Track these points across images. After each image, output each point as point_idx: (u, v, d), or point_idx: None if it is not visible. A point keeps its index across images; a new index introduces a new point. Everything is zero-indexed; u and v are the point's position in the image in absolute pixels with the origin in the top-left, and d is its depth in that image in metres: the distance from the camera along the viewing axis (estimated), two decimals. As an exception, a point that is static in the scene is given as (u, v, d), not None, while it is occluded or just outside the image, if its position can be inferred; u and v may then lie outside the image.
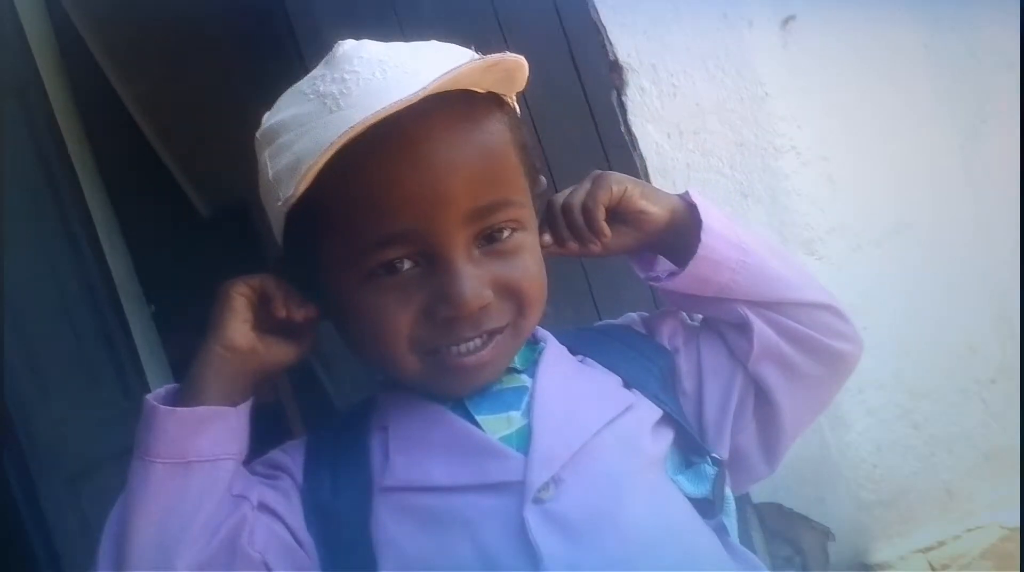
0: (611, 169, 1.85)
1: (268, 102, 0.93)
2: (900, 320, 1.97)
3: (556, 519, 0.84)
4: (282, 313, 0.90)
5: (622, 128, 1.89)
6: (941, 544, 1.96)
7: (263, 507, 0.91)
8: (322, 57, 0.88)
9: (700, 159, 1.92)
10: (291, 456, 0.97)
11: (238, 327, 0.89)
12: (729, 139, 1.92)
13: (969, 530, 1.97)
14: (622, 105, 1.90)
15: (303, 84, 0.87)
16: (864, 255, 1.96)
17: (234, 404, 0.89)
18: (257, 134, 0.91)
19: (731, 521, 1.01)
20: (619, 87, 1.88)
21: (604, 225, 0.97)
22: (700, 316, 1.10)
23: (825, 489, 1.94)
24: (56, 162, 1.72)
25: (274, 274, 0.93)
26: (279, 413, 1.66)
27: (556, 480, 0.86)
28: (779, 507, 1.92)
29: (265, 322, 0.91)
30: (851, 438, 1.95)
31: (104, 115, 1.81)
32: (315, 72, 0.87)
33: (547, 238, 0.97)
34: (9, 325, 1.45)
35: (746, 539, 1.81)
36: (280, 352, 0.92)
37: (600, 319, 1.18)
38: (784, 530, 1.95)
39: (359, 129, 0.76)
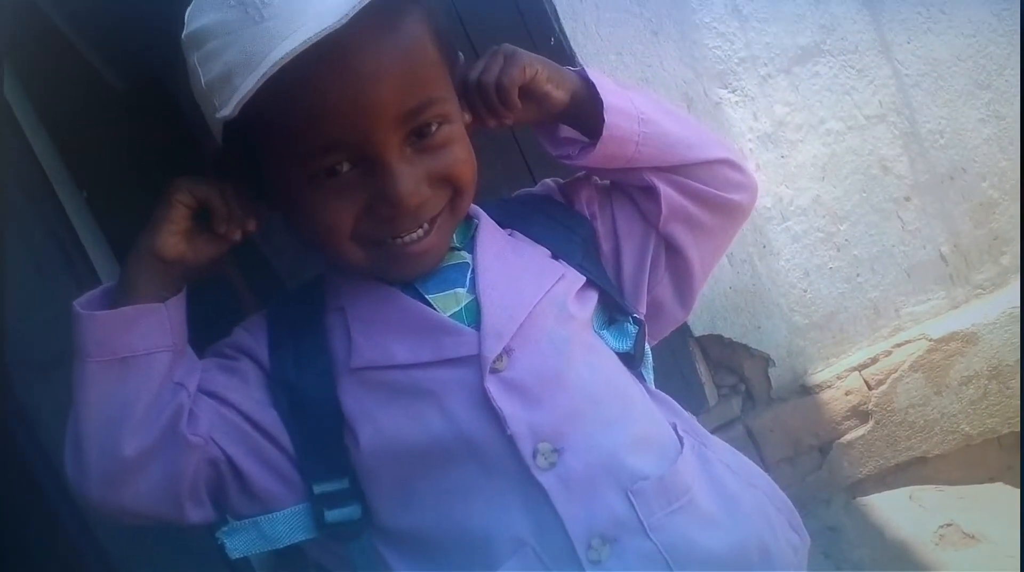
0: (523, 17, 1.97)
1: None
2: (814, 146, 2.13)
3: (512, 385, 0.98)
4: (222, 230, 0.99)
5: (528, -29, 1.97)
6: (873, 360, 2.16)
7: (209, 393, 1.02)
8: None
9: (608, -1, 2.02)
10: (254, 335, 1.08)
11: (169, 237, 0.97)
12: (634, -25, 2.03)
13: (898, 345, 2.17)
14: (526, -53, 1.97)
15: None
16: (775, 84, 2.10)
17: (163, 300, 0.98)
18: (183, 36, 0.97)
19: (648, 372, 1.17)
20: (522, -72, 1.96)
21: (517, 102, 1.07)
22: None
23: (760, 317, 2.11)
24: None
25: (216, 167, 1.02)
26: (225, 282, 1.72)
27: (507, 351, 1.00)
28: (719, 338, 2.08)
29: (200, 224, 1.00)
30: (780, 265, 2.12)
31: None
32: None
33: (467, 116, 1.07)
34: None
35: (691, 372, 1.97)
36: (209, 251, 1.01)
37: (535, 181, 1.29)
38: (726, 359, 2.11)
39: (289, 57, 0.83)
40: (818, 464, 2.13)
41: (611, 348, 1.10)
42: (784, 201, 2.12)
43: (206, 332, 1.11)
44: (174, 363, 1.00)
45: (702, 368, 2.07)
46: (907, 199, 2.19)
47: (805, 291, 2.14)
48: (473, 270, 1.06)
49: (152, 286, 0.98)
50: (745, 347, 2.10)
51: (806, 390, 2.13)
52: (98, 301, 0.99)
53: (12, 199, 1.78)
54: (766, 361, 2.12)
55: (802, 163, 2.12)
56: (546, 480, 0.96)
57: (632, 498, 0.97)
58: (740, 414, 2.12)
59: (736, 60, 2.09)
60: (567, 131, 1.17)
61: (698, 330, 2.05)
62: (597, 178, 1.21)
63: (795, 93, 2.12)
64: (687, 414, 1.14)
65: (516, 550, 0.97)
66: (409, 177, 0.95)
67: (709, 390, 2.07)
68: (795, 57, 2.11)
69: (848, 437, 2.14)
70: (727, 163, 1.15)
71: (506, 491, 0.98)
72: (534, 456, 0.96)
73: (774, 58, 2.10)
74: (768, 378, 2.13)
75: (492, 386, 0.97)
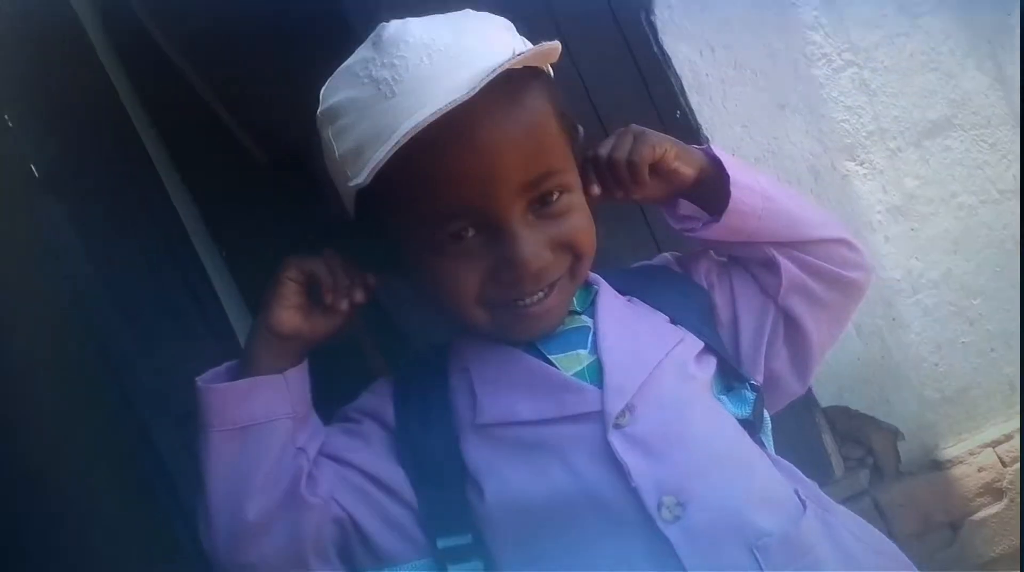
0: (649, 91, 2.05)
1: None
2: (946, 219, 2.14)
3: (635, 440, 1.01)
4: (329, 300, 1.06)
5: (655, 48, 2.05)
6: (1008, 437, 2.12)
7: (331, 456, 1.08)
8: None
9: (734, 73, 2.09)
10: (380, 397, 1.14)
11: (283, 312, 1.05)
12: (760, 51, 2.09)
13: (1035, 423, 2.13)
14: (652, 25, 2.06)
15: (355, 66, 1.01)
16: (905, 157, 2.12)
17: (281, 372, 1.05)
18: (318, 112, 1.06)
19: (768, 439, 1.19)
20: (647, 6, 2.05)
21: (647, 178, 1.12)
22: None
23: (889, 390, 2.10)
24: (118, 122, 1.87)
25: (343, 235, 1.10)
26: (357, 348, 1.84)
27: (629, 408, 1.03)
28: (846, 410, 2.08)
29: (315, 298, 1.07)
30: (910, 339, 2.12)
31: (155, 74, 1.98)
32: (364, 54, 1.02)
33: (596, 189, 1.12)
34: (97, 279, 1.61)
35: (817, 442, 1.98)
36: (327, 326, 1.08)
37: (659, 251, 1.34)
38: (853, 432, 2.10)
39: (420, 127, 0.90)
40: (949, 541, 2.10)
41: (731, 413, 1.13)
42: (914, 274, 2.12)
43: (336, 396, 1.18)
44: (296, 430, 1.06)
45: (828, 439, 2.07)
46: (1043, 274, 2.16)
47: (936, 365, 2.12)
48: (594, 333, 1.10)
49: (270, 360, 1.05)
50: (873, 420, 2.10)
51: (937, 465, 2.11)
52: (222, 376, 1.06)
53: (156, 258, 1.94)
54: (895, 434, 2.11)
55: (933, 236, 2.13)
56: (671, 533, 0.97)
57: (757, 554, 0.98)
58: (867, 487, 2.10)
59: (864, 134, 2.12)
60: (686, 207, 1.23)
61: (825, 401, 2.06)
62: (713, 253, 1.26)
63: (925, 166, 2.13)
64: (809, 481, 1.14)
65: None
66: (532, 242, 1.00)
67: (835, 461, 2.07)
68: (925, 131, 2.13)
69: (981, 515, 2.10)
70: (844, 243, 1.19)
71: (631, 544, 0.99)
72: (659, 509, 0.98)
73: (903, 131, 2.13)
74: (897, 451, 2.12)
75: (615, 440, 1.00)
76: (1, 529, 1.49)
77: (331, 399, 1.17)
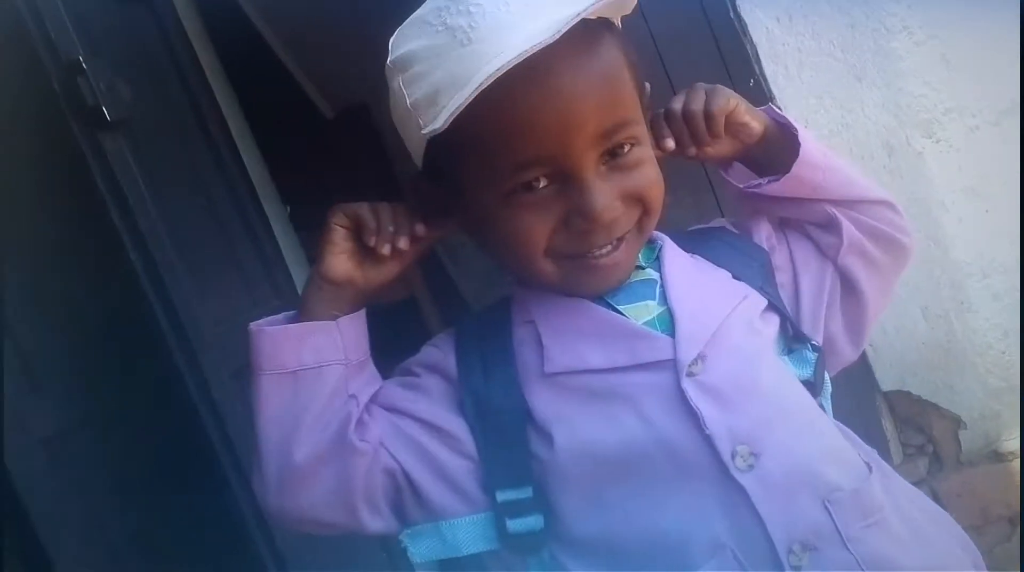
0: (723, 58, 2.02)
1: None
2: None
3: (707, 389, 1.01)
4: (371, 243, 1.05)
5: (731, 14, 2.01)
6: (1075, 431, 2.09)
7: (386, 406, 1.08)
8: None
9: (811, 43, 2.04)
10: (442, 349, 1.14)
11: (333, 258, 1.05)
12: (840, 21, 2.03)
13: (1102, 417, 2.09)
14: (730, -11, 2.02)
15: (428, 14, 1.00)
16: (982, 136, 2.07)
17: (334, 318, 1.05)
18: (388, 61, 1.04)
19: (827, 402, 1.18)
20: (726, -29, 2.01)
21: (723, 131, 1.12)
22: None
23: (954, 376, 2.06)
24: (190, 70, 1.87)
25: (413, 190, 1.10)
26: (414, 306, 1.85)
27: (701, 357, 1.02)
28: (908, 395, 2.05)
29: (366, 246, 1.06)
30: (977, 324, 2.08)
31: (226, 22, 1.98)
32: (437, 3, 0.99)
33: (670, 143, 1.12)
34: (163, 226, 1.63)
35: (876, 427, 1.96)
36: (380, 274, 1.08)
37: (723, 214, 1.33)
38: (914, 418, 2.08)
39: (503, 71, 0.88)
40: (1007, 536, 2.07)
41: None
42: (986, 258, 2.08)
43: (395, 354, 1.18)
44: (348, 377, 1.06)
45: (888, 425, 2.04)
46: (1120, 262, 2.11)
47: (1003, 353, 2.08)
48: (662, 285, 1.10)
49: (324, 307, 1.06)
50: (935, 406, 2.07)
51: (999, 456, 2.07)
52: (277, 323, 1.06)
53: (222, 211, 1.95)
54: (957, 423, 2.08)
55: (1007, 219, 2.07)
56: (747, 482, 0.97)
57: (829, 508, 0.98)
58: (926, 476, 2.07)
59: (942, 110, 2.07)
60: (740, 172, 1.23)
61: (886, 385, 2.04)
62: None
63: (1004, 146, 2.07)
64: (869, 448, 1.14)
65: (715, 552, 0.98)
66: (605, 193, 0.99)
67: (894, 448, 2.04)
68: (1006, 109, 2.07)
69: (1042, 509, 2.07)
70: (891, 206, 1.20)
71: (703, 493, 0.99)
72: (732, 457, 0.98)
73: (983, 109, 2.07)
74: (958, 440, 2.08)
75: (689, 387, 1.00)
76: (68, 472, 1.51)
77: (389, 357, 1.17)
